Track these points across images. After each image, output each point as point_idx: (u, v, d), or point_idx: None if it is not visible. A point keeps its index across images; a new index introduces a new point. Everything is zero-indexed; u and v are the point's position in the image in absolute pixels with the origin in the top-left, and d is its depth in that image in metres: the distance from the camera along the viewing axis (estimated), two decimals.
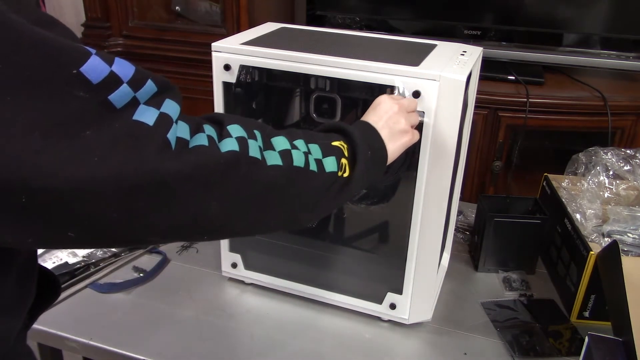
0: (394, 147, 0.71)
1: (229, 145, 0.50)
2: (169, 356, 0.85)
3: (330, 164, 0.60)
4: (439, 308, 0.97)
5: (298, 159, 0.56)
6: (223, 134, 0.51)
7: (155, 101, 0.45)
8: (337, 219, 1.04)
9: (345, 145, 0.64)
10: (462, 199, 1.10)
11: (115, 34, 1.98)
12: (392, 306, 0.91)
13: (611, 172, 1.11)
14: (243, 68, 0.86)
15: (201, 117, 0.52)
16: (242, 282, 1.02)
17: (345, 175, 0.62)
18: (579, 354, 0.86)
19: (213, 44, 0.86)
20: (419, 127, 0.78)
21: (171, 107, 0.46)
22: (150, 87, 0.45)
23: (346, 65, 0.80)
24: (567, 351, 0.88)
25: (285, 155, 0.55)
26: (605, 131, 1.60)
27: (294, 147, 0.57)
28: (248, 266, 1.00)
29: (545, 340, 0.90)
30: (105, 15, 1.95)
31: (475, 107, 1.00)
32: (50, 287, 0.64)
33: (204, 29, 1.91)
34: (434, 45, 0.92)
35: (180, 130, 0.47)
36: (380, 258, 1.01)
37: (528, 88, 1.62)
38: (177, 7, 1.96)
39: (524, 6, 1.75)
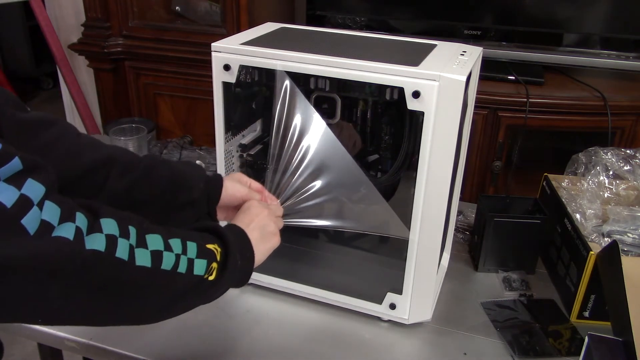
0: (263, 250, 0.72)
1: (95, 242, 0.48)
2: (169, 356, 0.85)
3: (200, 266, 0.60)
4: (439, 308, 0.97)
5: (167, 262, 0.56)
6: (94, 227, 0.49)
7: (16, 180, 0.43)
8: None
9: (219, 250, 0.64)
10: (462, 199, 1.10)
11: (115, 34, 1.97)
12: (392, 306, 0.91)
13: (611, 172, 1.11)
14: (243, 68, 0.86)
15: (77, 203, 0.50)
16: None
17: (211, 278, 0.62)
18: (579, 354, 0.86)
19: (213, 44, 0.86)
20: (419, 129, 0.79)
21: (33, 189, 0.44)
22: (15, 165, 0.43)
23: (346, 65, 0.80)
24: (567, 351, 0.88)
25: (156, 256, 0.54)
26: (605, 131, 1.60)
27: (168, 247, 0.56)
28: None
29: (545, 340, 0.90)
30: (105, 15, 1.95)
31: (475, 107, 1.00)
32: None
33: (204, 29, 1.91)
34: (434, 45, 0.92)
35: (48, 213, 0.45)
36: (380, 258, 1.01)
37: (528, 88, 1.62)
38: (177, 7, 1.96)
39: (524, 6, 1.75)
